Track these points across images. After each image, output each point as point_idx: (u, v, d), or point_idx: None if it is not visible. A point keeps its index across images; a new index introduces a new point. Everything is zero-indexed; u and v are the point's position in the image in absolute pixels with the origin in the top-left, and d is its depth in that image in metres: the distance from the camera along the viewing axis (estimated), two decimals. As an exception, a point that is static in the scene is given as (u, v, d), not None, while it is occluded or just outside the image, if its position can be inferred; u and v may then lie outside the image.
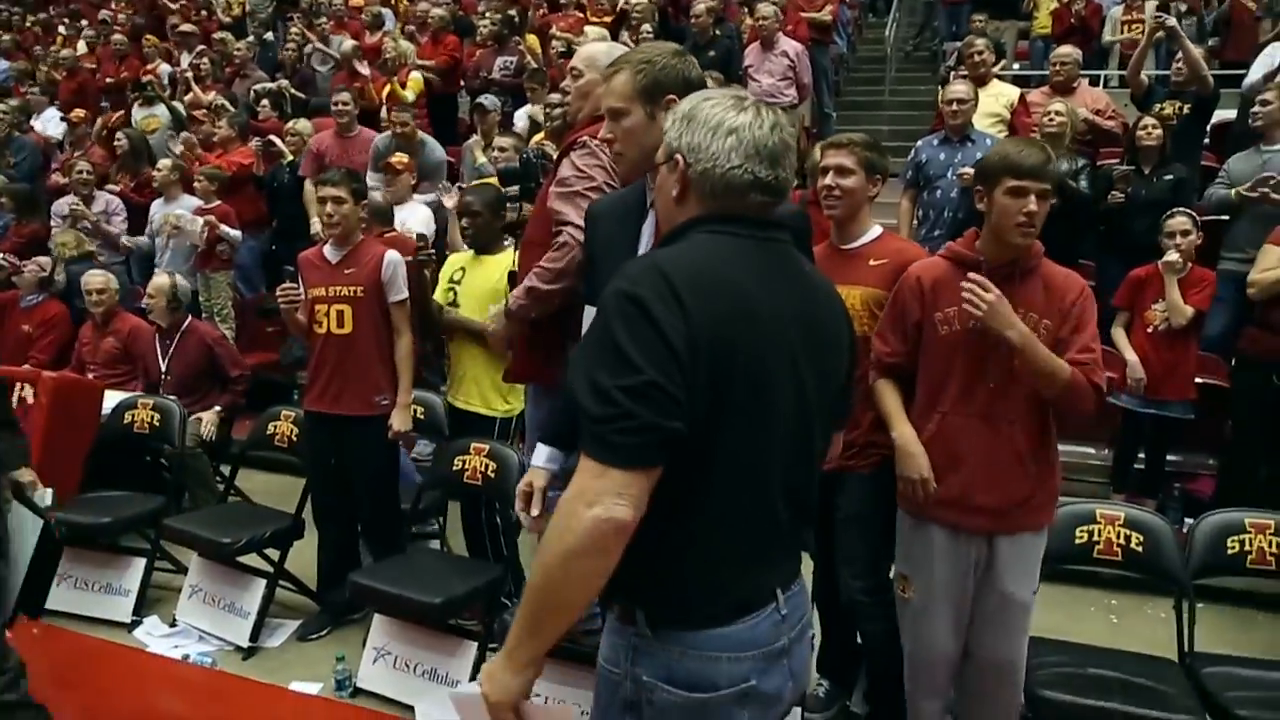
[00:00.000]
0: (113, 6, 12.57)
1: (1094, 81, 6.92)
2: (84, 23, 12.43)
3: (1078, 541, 2.78)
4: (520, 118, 6.65)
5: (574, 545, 1.25)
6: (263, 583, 3.65)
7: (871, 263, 2.71)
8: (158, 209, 6.45)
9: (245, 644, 3.54)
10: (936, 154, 4.98)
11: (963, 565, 2.45)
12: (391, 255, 3.59)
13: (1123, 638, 3.36)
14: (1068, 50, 5.88)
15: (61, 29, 12.28)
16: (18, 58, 11.22)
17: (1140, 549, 2.75)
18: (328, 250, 3.62)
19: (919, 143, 5.22)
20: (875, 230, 2.79)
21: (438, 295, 3.93)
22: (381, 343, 3.56)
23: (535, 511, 1.86)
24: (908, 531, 2.55)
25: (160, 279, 4.80)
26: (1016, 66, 8.54)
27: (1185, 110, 5.34)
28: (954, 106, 4.87)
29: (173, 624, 3.72)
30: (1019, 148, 2.37)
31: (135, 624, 3.73)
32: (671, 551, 1.38)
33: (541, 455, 1.96)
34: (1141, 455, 4.46)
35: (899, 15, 9.80)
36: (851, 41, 9.88)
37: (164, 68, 9.03)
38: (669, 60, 1.94)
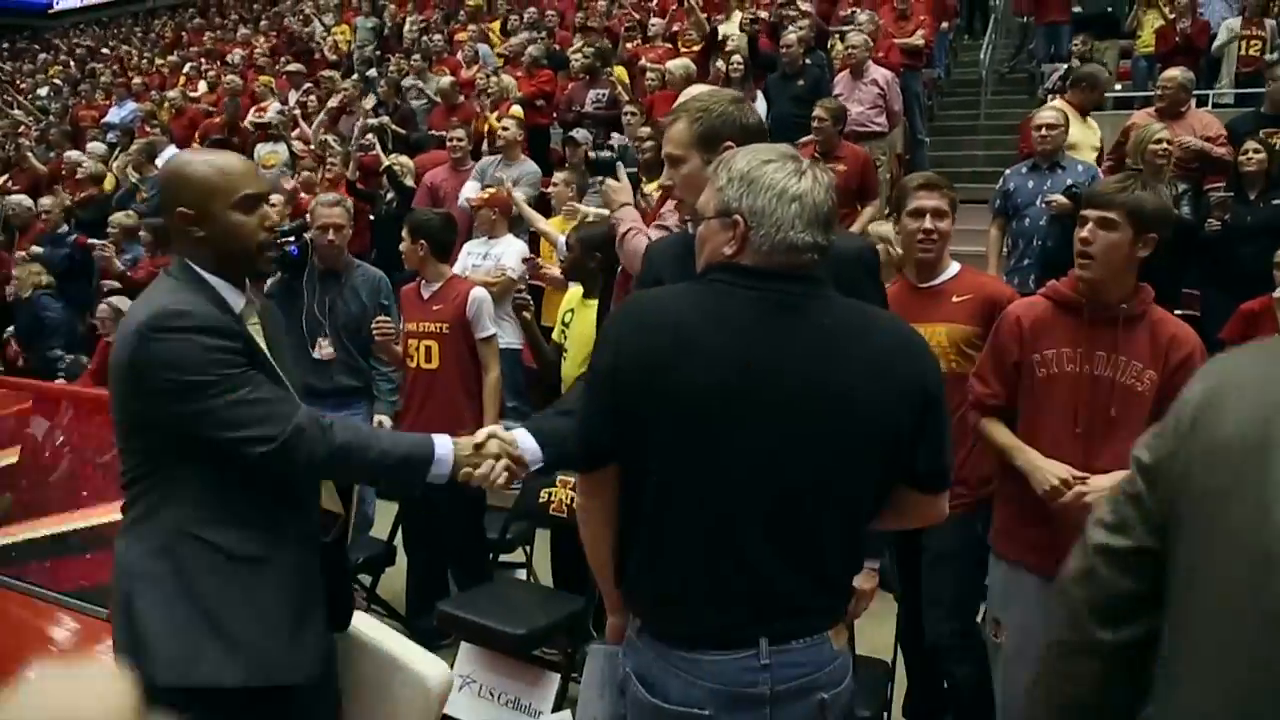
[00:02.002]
0: (233, 47, 13.36)
1: (1201, 102, 6.64)
2: (203, 63, 13.24)
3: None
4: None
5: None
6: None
7: (955, 299, 2.69)
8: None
9: (339, 667, 3.63)
10: (1025, 182, 4.89)
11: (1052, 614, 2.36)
12: (477, 292, 3.70)
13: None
14: (1174, 73, 5.56)
15: (186, 69, 13.06)
16: (145, 99, 11.96)
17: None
18: (423, 286, 3.77)
19: (1008, 171, 5.14)
20: (955, 267, 2.78)
21: (555, 334, 3.92)
22: (467, 378, 3.68)
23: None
24: (1001, 575, 2.48)
25: None
26: (1119, 88, 8.26)
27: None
28: (1043, 132, 4.76)
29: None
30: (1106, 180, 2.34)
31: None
32: (633, 564, 1.59)
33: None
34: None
35: (995, 37, 9.60)
36: (946, 64, 9.73)
37: (274, 106, 9.47)
38: (726, 108, 1.95)
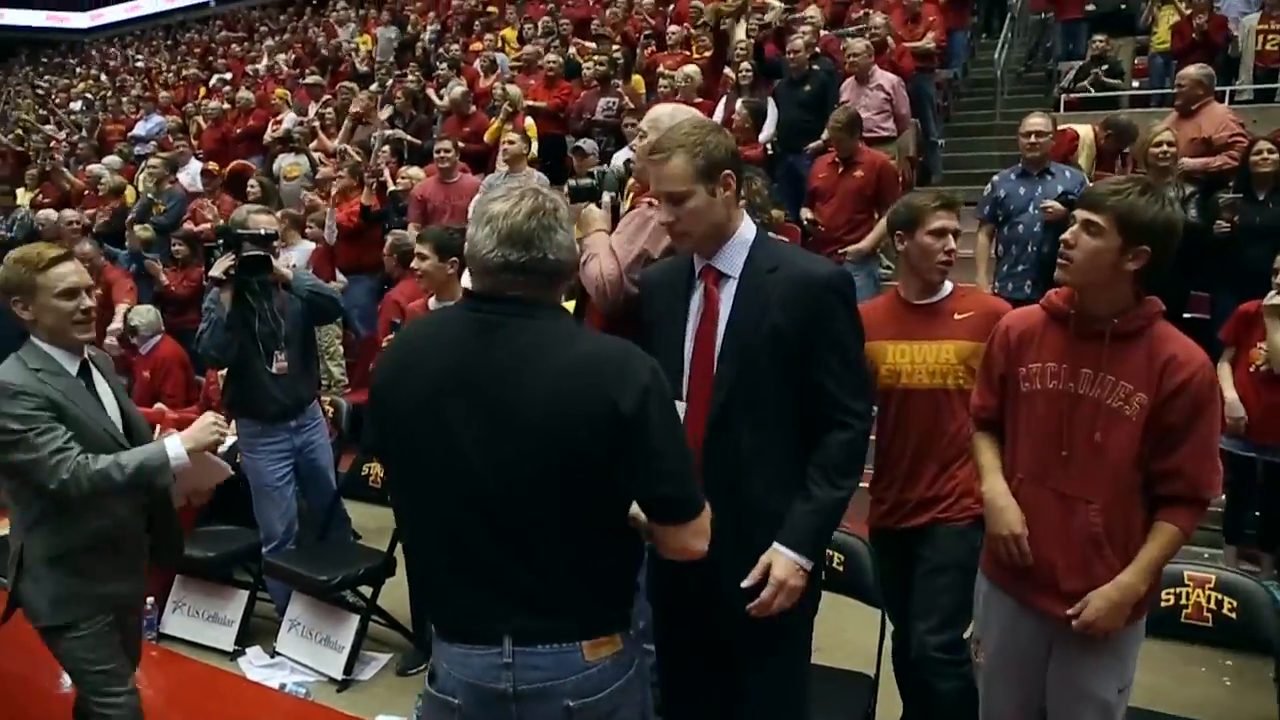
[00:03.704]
0: (259, 58, 13.57)
1: (1219, 98, 6.52)
2: (229, 75, 13.46)
3: (1164, 604, 2.62)
4: (617, 160, 6.74)
5: None
6: (356, 618, 3.81)
7: (957, 316, 2.68)
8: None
9: (339, 676, 3.70)
10: (1016, 188, 4.86)
11: (1026, 642, 2.26)
12: None
13: (1238, 705, 3.13)
14: (1191, 70, 5.52)
15: (213, 82, 13.27)
16: (173, 113, 12.14)
17: (1234, 614, 2.57)
18: (432, 303, 3.80)
19: (995, 177, 5.08)
20: (948, 284, 2.75)
21: None
22: None
23: None
24: (984, 594, 2.40)
25: None
26: (1135, 85, 8.13)
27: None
28: (1032, 139, 4.72)
29: (273, 655, 3.92)
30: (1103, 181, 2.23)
31: (238, 653, 3.95)
32: (408, 558, 1.79)
33: None
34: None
35: (1011, 36, 9.47)
36: (964, 64, 9.62)
37: (289, 118, 9.56)
38: (714, 137, 1.99)
